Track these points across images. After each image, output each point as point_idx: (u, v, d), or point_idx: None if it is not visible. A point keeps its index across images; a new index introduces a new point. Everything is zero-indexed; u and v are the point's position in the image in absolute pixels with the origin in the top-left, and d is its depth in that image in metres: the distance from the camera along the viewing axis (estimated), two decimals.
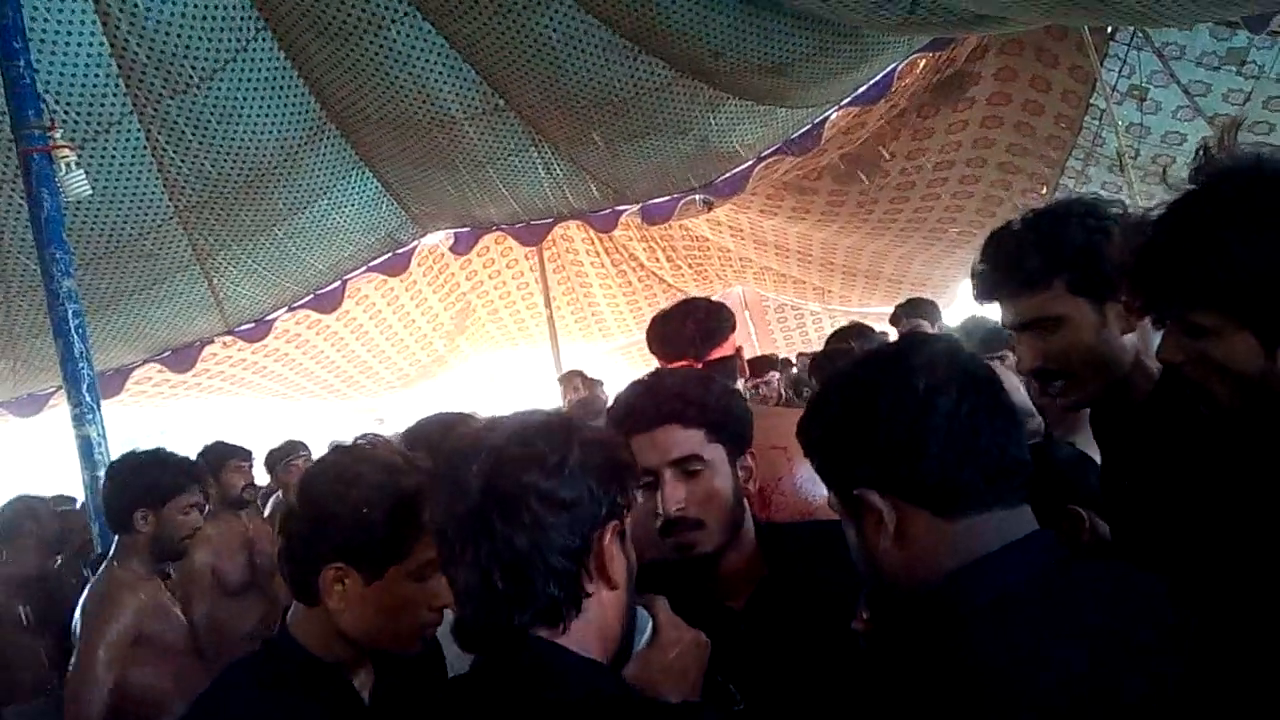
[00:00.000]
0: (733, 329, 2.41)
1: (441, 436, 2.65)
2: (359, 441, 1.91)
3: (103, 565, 2.98)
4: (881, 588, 1.21)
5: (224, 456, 4.45)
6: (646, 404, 1.69)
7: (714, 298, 10.27)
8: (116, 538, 2.96)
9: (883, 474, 1.13)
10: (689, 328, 2.37)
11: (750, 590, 1.70)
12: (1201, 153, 1.28)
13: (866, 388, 1.16)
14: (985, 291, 1.62)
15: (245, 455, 4.57)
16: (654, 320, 2.53)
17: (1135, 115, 7.65)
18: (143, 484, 2.94)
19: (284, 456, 5.45)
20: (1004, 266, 1.56)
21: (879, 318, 13.92)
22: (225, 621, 3.78)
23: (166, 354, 7.51)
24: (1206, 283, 1.18)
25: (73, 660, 2.77)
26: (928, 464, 1.10)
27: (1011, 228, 1.60)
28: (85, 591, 2.95)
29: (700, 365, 2.30)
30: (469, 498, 1.14)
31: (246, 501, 4.36)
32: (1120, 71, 7.42)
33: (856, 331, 4.75)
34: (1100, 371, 1.56)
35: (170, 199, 5.70)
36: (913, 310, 5.37)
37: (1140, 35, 7.15)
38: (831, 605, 1.45)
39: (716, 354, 2.33)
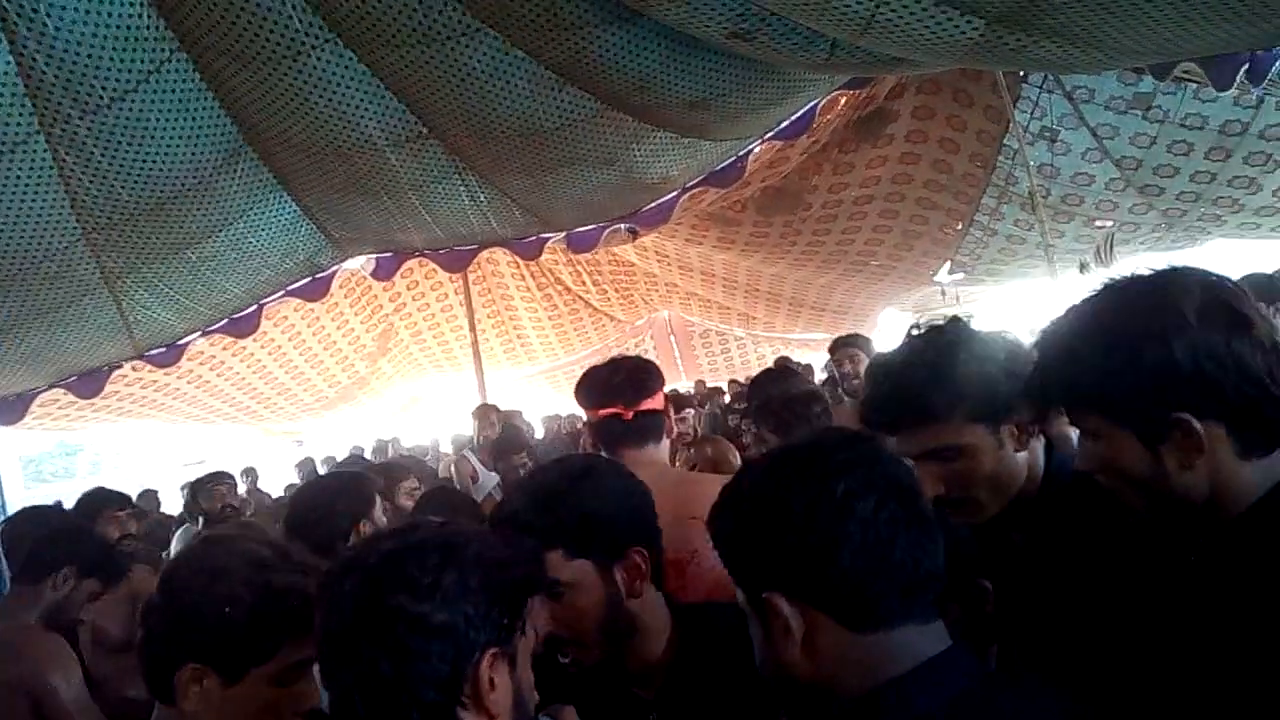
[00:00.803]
0: (661, 386, 2.39)
1: (318, 520, 2.60)
2: (227, 531, 1.84)
3: None
4: (790, 695, 1.17)
5: (99, 505, 4.23)
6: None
7: (639, 323, 10.32)
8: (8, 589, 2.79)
9: (792, 579, 1.11)
10: (619, 377, 2.36)
11: (662, 678, 1.64)
12: (1079, 267, 1.35)
13: (782, 485, 1.13)
14: (884, 423, 1.61)
15: (123, 503, 4.36)
16: (583, 375, 2.50)
17: (1046, 156, 7.91)
18: (69, 547, 2.81)
19: (207, 483, 5.29)
20: (902, 400, 1.58)
21: (802, 344, 14.15)
22: (104, 682, 3.59)
23: (72, 379, 7.25)
24: (1080, 388, 1.27)
25: None
26: (838, 573, 1.07)
27: (901, 361, 1.63)
28: None
29: (629, 415, 2.29)
30: (342, 616, 1.11)
31: (125, 553, 4.14)
32: (1032, 113, 7.67)
33: (780, 374, 4.79)
34: (999, 493, 1.60)
35: (78, 221, 5.51)
36: (849, 343, 5.52)
37: (1051, 79, 7.40)
38: (747, 691, 1.43)
39: (646, 405, 2.30)
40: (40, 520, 3.02)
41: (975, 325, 1.66)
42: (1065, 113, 7.72)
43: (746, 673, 1.43)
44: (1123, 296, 1.26)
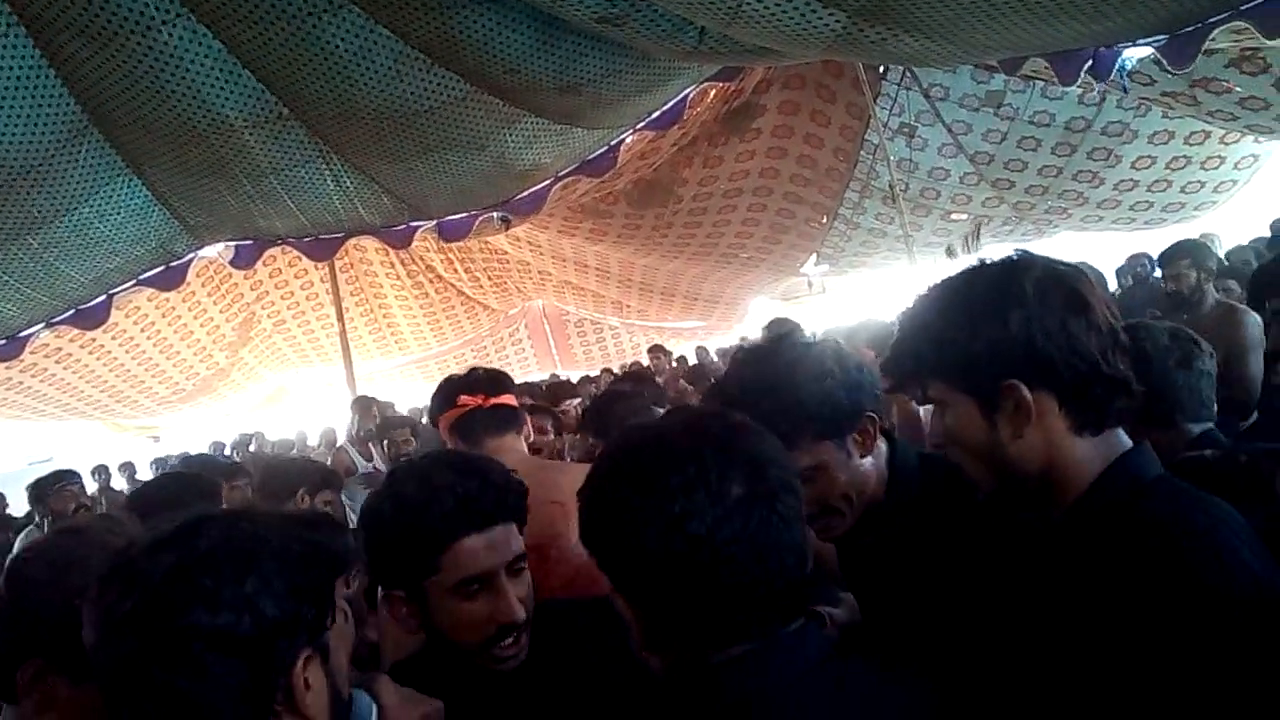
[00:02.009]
0: (514, 391, 2.49)
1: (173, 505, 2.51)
2: (80, 522, 1.71)
3: None
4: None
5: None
6: (487, 497, 1.54)
7: (513, 311, 10.26)
8: None
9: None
10: (476, 375, 2.47)
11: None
12: (946, 252, 1.43)
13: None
14: None
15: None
16: (438, 386, 2.59)
17: (905, 151, 8.21)
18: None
19: (54, 484, 5.01)
20: None
21: (674, 332, 14.32)
22: None
23: None
24: (927, 356, 1.35)
25: None
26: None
27: (738, 390, 1.63)
28: None
29: (487, 404, 2.36)
30: (124, 640, 1.00)
31: None
32: (891, 110, 7.95)
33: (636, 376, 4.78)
34: (855, 502, 1.65)
35: None
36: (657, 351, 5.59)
37: (909, 76, 7.67)
38: (593, 688, 1.44)
39: (503, 399, 2.39)
40: None
41: (800, 337, 1.71)
42: (923, 109, 8.03)
43: (593, 669, 1.42)
44: (974, 275, 1.35)
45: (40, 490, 5.08)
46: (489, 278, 13.33)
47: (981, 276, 1.34)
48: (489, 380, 2.43)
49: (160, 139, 5.57)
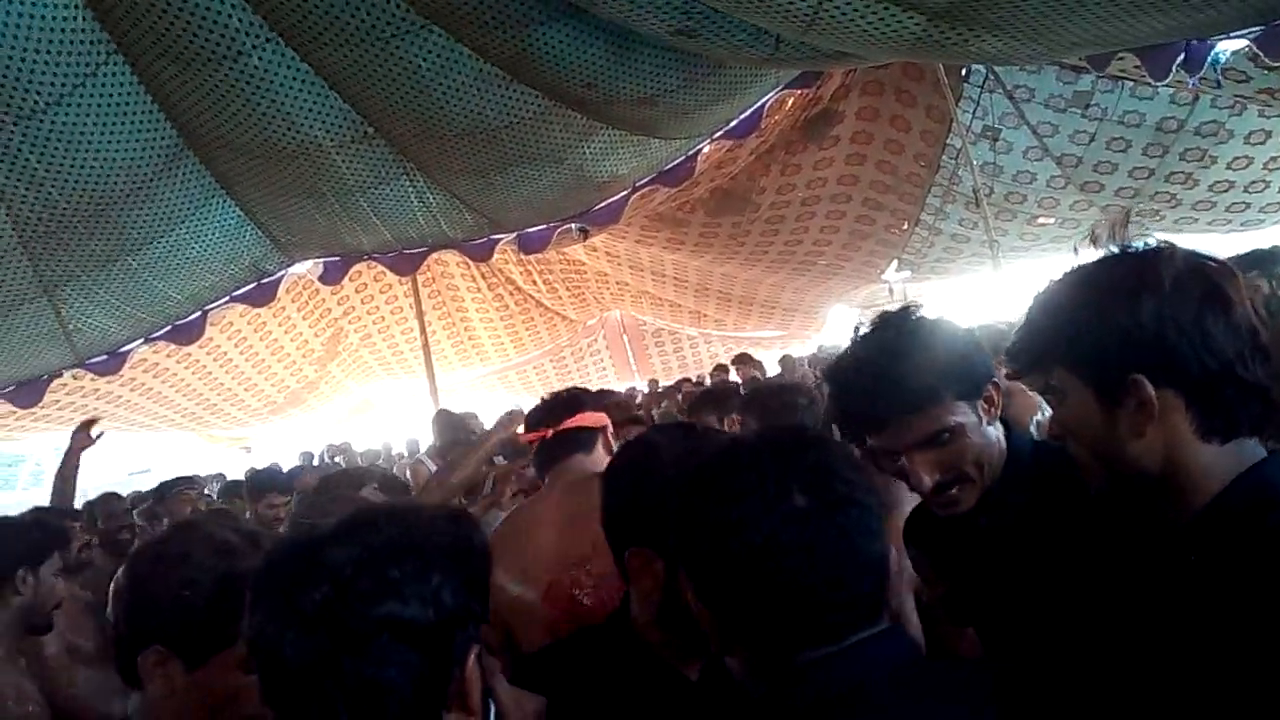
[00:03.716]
0: (587, 409, 2.49)
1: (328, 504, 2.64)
2: (196, 518, 1.79)
3: None
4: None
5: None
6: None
7: (591, 322, 10.34)
8: None
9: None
10: (543, 408, 2.54)
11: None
12: (1089, 238, 1.38)
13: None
14: (873, 417, 1.59)
15: (76, 515, 4.27)
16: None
17: (989, 155, 8.03)
18: (24, 541, 2.66)
19: (173, 488, 5.17)
20: (895, 388, 1.56)
21: (753, 342, 14.23)
22: (77, 700, 3.47)
23: (10, 388, 7.07)
24: (1051, 341, 1.29)
25: None
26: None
27: (879, 353, 1.60)
28: None
29: (549, 434, 2.41)
30: (312, 633, 1.01)
31: (84, 563, 4.04)
32: (974, 113, 7.79)
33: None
34: (987, 469, 1.60)
35: (13, 228, 5.38)
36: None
37: (992, 78, 7.52)
38: None
39: (568, 424, 2.41)
40: None
41: (923, 313, 1.68)
42: (1006, 111, 7.86)
43: None
44: (1110, 262, 1.30)
45: (160, 494, 5.26)
46: (567, 288, 13.45)
47: (1118, 264, 1.28)
48: (553, 410, 2.48)
49: (252, 160, 5.76)
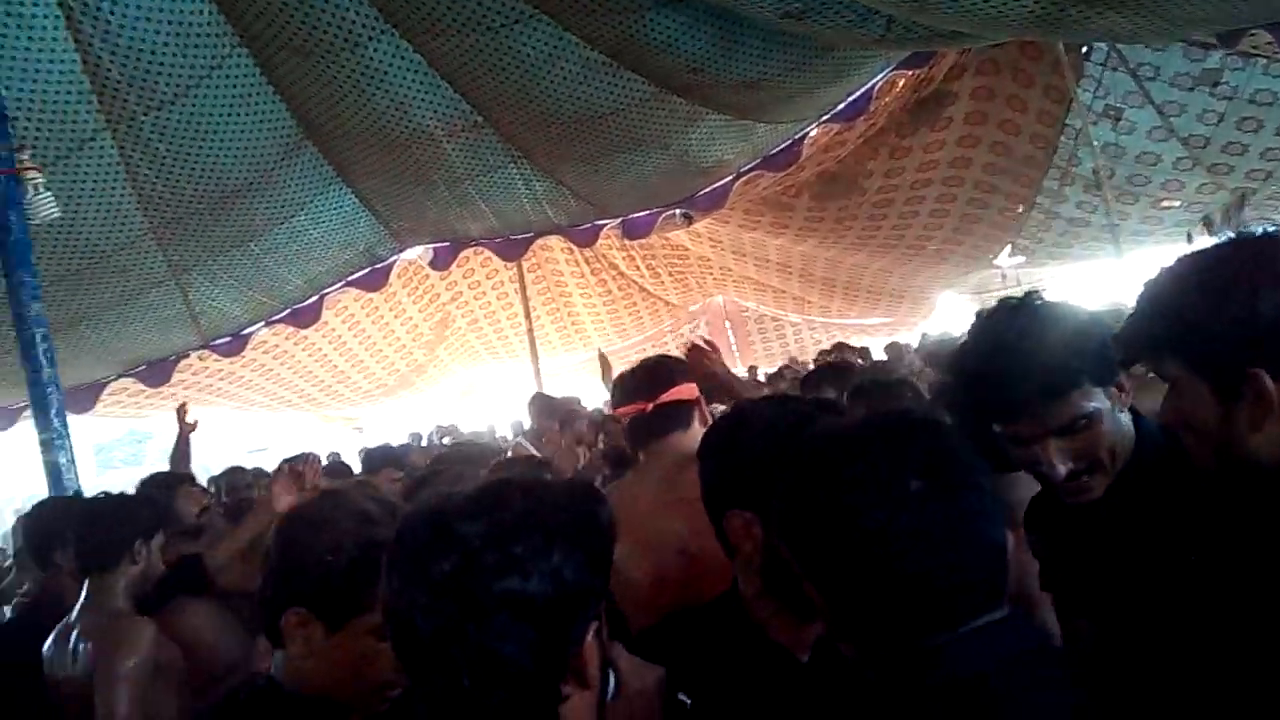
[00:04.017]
0: (682, 379, 2.39)
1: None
2: (341, 486, 1.87)
3: (78, 610, 2.78)
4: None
5: (174, 483, 4.33)
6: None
7: (694, 307, 10.28)
8: (87, 581, 2.81)
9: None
10: (637, 377, 2.42)
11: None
12: (1202, 222, 1.30)
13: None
14: (1014, 403, 1.54)
15: (194, 479, 4.50)
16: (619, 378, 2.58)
17: (1110, 135, 7.72)
18: (139, 517, 2.86)
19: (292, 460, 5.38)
20: (1038, 374, 1.51)
21: (858, 329, 14.01)
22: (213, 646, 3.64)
23: (141, 368, 7.45)
24: (1165, 332, 1.24)
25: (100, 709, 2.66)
26: None
27: (1016, 339, 1.55)
28: (69, 636, 2.73)
29: (648, 407, 2.32)
30: (440, 602, 1.05)
31: (202, 528, 4.23)
32: (1095, 92, 7.49)
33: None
34: (1119, 457, 1.55)
35: (144, 215, 5.66)
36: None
37: (1115, 55, 7.22)
38: None
39: (667, 397, 2.32)
40: (64, 511, 3.04)
41: (1048, 298, 1.63)
42: (1130, 90, 7.53)
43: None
44: (1227, 249, 1.24)
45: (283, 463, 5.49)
46: (670, 274, 13.45)
47: (1235, 251, 1.23)
48: (649, 381, 2.36)
49: (367, 149, 5.92)
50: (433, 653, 1.06)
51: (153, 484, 4.11)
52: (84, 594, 2.78)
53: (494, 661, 1.04)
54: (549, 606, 1.05)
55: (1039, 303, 1.60)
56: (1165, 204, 8.61)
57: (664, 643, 1.56)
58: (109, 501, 2.97)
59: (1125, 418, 1.57)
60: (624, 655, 1.29)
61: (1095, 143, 7.43)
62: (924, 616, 1.06)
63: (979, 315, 1.66)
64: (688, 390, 2.38)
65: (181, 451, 4.90)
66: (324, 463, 4.48)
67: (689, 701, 1.47)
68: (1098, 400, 1.52)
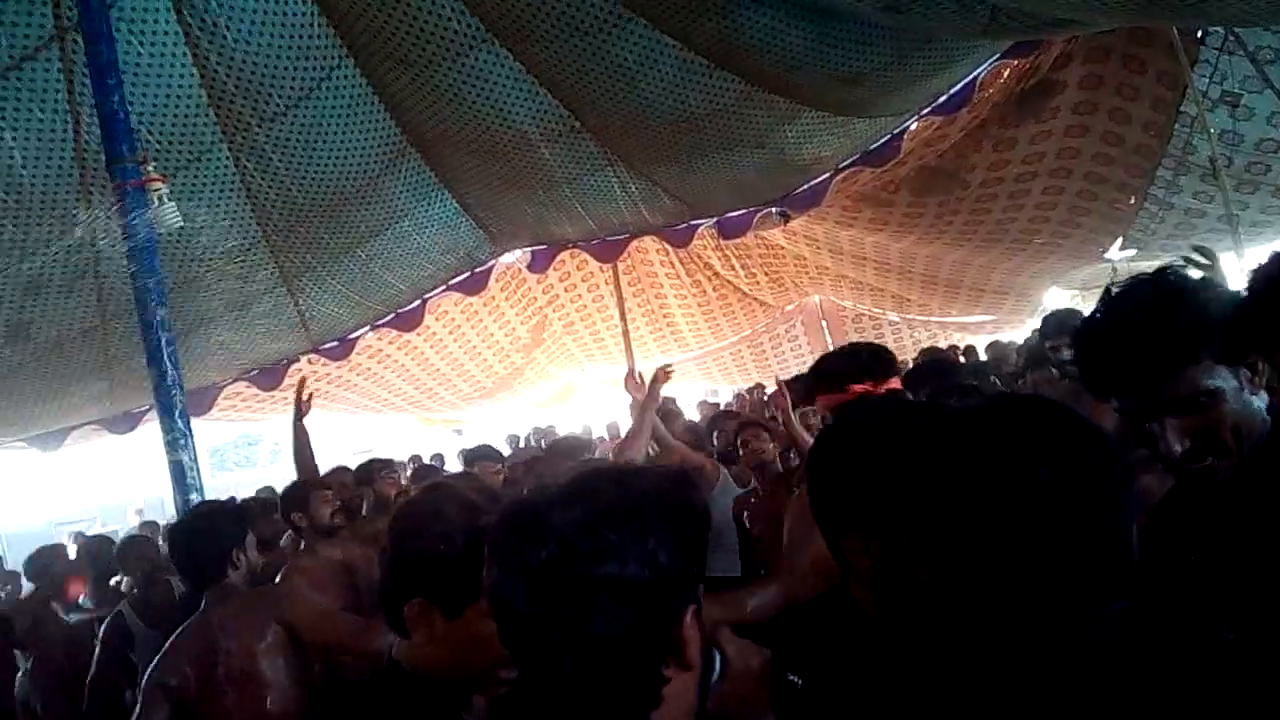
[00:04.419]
0: (899, 371, 2.36)
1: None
2: (446, 479, 1.93)
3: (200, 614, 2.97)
4: None
5: (308, 488, 4.52)
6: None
7: (789, 307, 10.13)
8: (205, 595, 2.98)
9: None
10: (863, 357, 2.37)
11: None
12: None
13: None
14: (1127, 379, 1.51)
15: (328, 484, 4.65)
16: (819, 361, 2.52)
17: (1228, 122, 7.37)
18: (226, 530, 3.06)
19: (381, 470, 5.55)
20: (1151, 349, 1.47)
21: (959, 327, 13.69)
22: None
23: (254, 372, 7.73)
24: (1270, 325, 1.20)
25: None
26: None
27: (1135, 313, 1.51)
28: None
29: (880, 391, 2.29)
30: (538, 588, 1.09)
31: (338, 527, 4.39)
32: (1211, 77, 7.15)
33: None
34: (1245, 439, 1.49)
35: (258, 223, 5.88)
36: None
37: (1232, 39, 6.89)
38: None
39: (893, 384, 2.31)
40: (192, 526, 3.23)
41: (1187, 273, 1.56)
42: (1249, 75, 7.18)
43: None
44: None
45: (367, 475, 5.63)
46: (765, 274, 13.35)
47: None
48: (880, 364, 2.32)
49: (468, 155, 6.04)
50: (534, 637, 1.10)
51: (287, 490, 4.36)
52: (203, 604, 2.98)
53: (594, 644, 1.07)
54: (646, 590, 1.08)
55: (1171, 277, 1.54)
56: None
57: (776, 630, 1.56)
58: (196, 523, 3.16)
59: (1258, 400, 1.49)
60: (730, 637, 1.33)
61: (1212, 130, 7.10)
62: (1049, 607, 1.04)
63: (1107, 291, 1.60)
64: (898, 383, 2.37)
65: (301, 448, 5.05)
66: (412, 467, 4.73)
67: (799, 682, 1.49)
68: (1220, 378, 1.46)
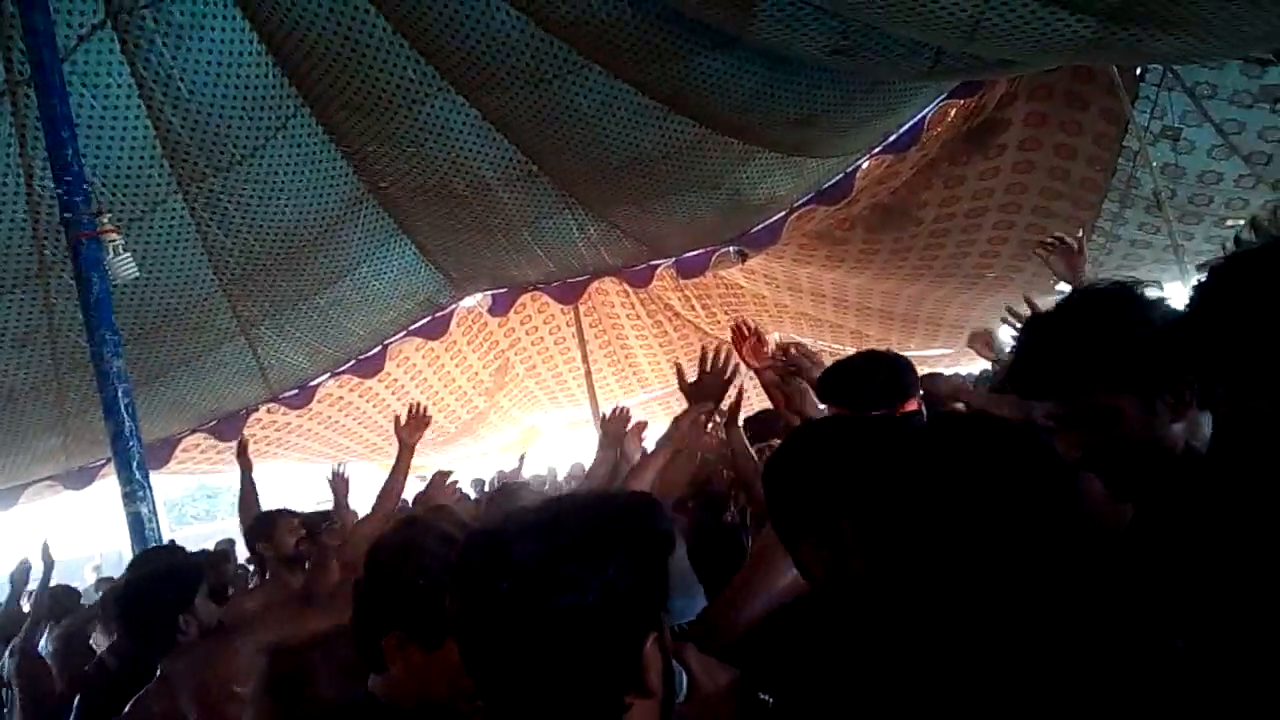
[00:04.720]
0: (919, 385, 2.31)
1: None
2: (421, 514, 1.94)
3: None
4: None
5: (275, 516, 4.50)
6: None
7: None
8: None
9: None
10: (880, 375, 2.32)
11: None
12: (1249, 226, 1.29)
13: None
14: (1030, 386, 1.59)
15: (294, 513, 4.64)
16: (833, 369, 2.42)
17: (1170, 155, 7.58)
18: (167, 597, 2.78)
19: (323, 523, 5.49)
20: (1051, 361, 1.54)
21: (919, 360, 13.82)
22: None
23: (213, 423, 7.63)
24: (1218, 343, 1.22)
25: None
26: None
27: (1054, 322, 1.58)
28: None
29: (917, 405, 2.29)
30: (499, 618, 1.10)
31: (303, 555, 4.36)
32: (1152, 113, 7.37)
33: None
34: (1145, 463, 1.52)
35: (214, 273, 5.84)
36: None
37: (1170, 75, 7.12)
38: None
39: (909, 408, 2.26)
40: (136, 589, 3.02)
41: (1142, 290, 1.60)
42: (1187, 109, 7.40)
43: None
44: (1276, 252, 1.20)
45: (311, 529, 5.57)
46: (725, 312, 13.40)
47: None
48: (898, 386, 2.28)
49: (426, 201, 6.06)
50: (496, 667, 1.11)
51: (256, 521, 4.29)
52: (159, 672, 2.73)
53: (555, 674, 1.08)
54: (606, 619, 1.09)
55: (1107, 295, 1.60)
56: (1230, 223, 8.42)
57: (746, 648, 1.58)
58: (138, 591, 2.87)
59: (1176, 428, 1.50)
60: (696, 656, 1.34)
61: (1154, 163, 7.31)
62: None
63: (1067, 297, 1.65)
64: (916, 403, 2.34)
65: (248, 493, 5.00)
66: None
67: (770, 700, 1.50)
68: (1124, 401, 1.48)
